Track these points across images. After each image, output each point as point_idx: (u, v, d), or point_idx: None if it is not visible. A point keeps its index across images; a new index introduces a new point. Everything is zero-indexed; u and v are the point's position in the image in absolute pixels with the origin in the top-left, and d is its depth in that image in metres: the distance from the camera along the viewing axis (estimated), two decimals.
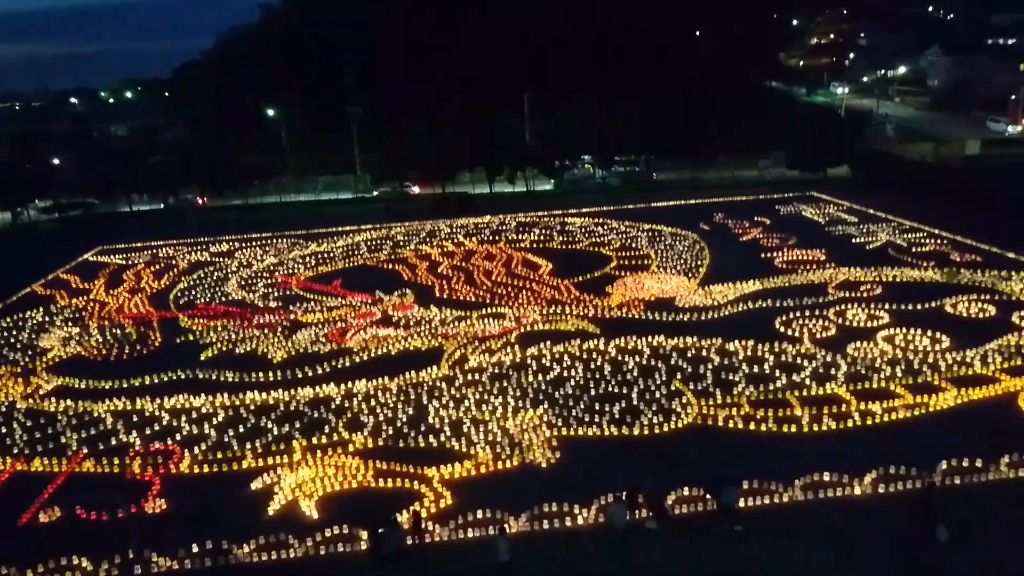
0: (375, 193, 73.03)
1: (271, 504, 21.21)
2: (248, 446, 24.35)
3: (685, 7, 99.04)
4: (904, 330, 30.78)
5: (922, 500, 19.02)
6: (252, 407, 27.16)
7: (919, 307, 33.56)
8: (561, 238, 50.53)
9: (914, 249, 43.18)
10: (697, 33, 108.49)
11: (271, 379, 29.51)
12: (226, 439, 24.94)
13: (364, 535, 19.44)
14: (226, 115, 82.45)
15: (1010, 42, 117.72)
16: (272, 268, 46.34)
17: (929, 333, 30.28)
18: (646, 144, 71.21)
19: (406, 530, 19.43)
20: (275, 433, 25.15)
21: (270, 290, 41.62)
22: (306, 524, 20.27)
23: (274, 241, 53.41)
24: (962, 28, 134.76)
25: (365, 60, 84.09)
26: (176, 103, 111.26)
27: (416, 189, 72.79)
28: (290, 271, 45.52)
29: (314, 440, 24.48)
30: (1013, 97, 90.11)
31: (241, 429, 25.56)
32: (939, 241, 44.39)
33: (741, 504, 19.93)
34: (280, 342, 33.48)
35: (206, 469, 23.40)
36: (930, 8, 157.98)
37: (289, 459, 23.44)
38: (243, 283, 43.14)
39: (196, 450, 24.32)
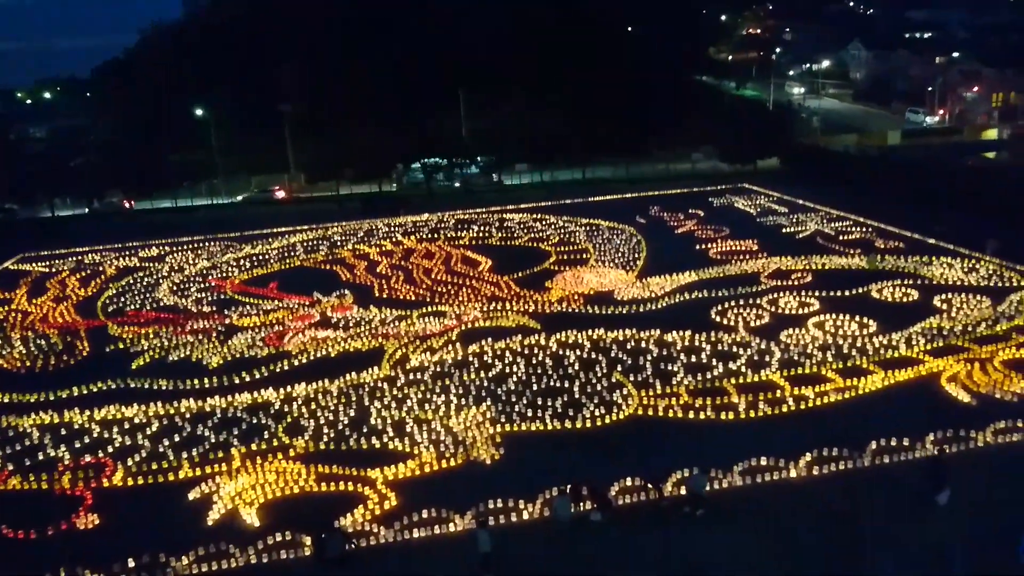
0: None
1: (210, 513, 20.69)
2: (184, 455, 23.68)
3: (617, 3, 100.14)
4: (833, 316, 31.81)
5: (931, 466, 19.97)
6: (187, 415, 26.44)
7: (847, 293, 34.71)
8: (500, 234, 50.60)
9: (841, 237, 44.63)
10: (629, 29, 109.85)
11: (207, 386, 28.78)
12: (161, 449, 24.22)
13: (307, 540, 19.16)
14: (152, 115, 79.94)
15: (926, 36, 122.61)
16: (205, 272, 45.20)
17: (857, 318, 31.36)
18: (579, 141, 71.60)
19: (349, 534, 19.24)
20: (212, 441, 24.54)
21: (204, 294, 40.59)
22: (247, 532, 19.84)
23: (206, 244, 52.09)
24: (881, 23, 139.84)
25: (297, 56, 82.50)
26: (98, 103, 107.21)
27: (281, 194, 71.32)
28: (224, 274, 44.47)
29: (253, 446, 23.98)
30: (930, 89, 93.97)
31: (176, 438, 24.86)
32: (865, 229, 45.97)
33: (683, 491, 20.35)
34: (215, 347, 32.69)
35: (140, 481, 22.68)
36: (851, 3, 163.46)
37: (228, 467, 22.90)
38: (175, 288, 41.96)
39: (129, 462, 23.56)
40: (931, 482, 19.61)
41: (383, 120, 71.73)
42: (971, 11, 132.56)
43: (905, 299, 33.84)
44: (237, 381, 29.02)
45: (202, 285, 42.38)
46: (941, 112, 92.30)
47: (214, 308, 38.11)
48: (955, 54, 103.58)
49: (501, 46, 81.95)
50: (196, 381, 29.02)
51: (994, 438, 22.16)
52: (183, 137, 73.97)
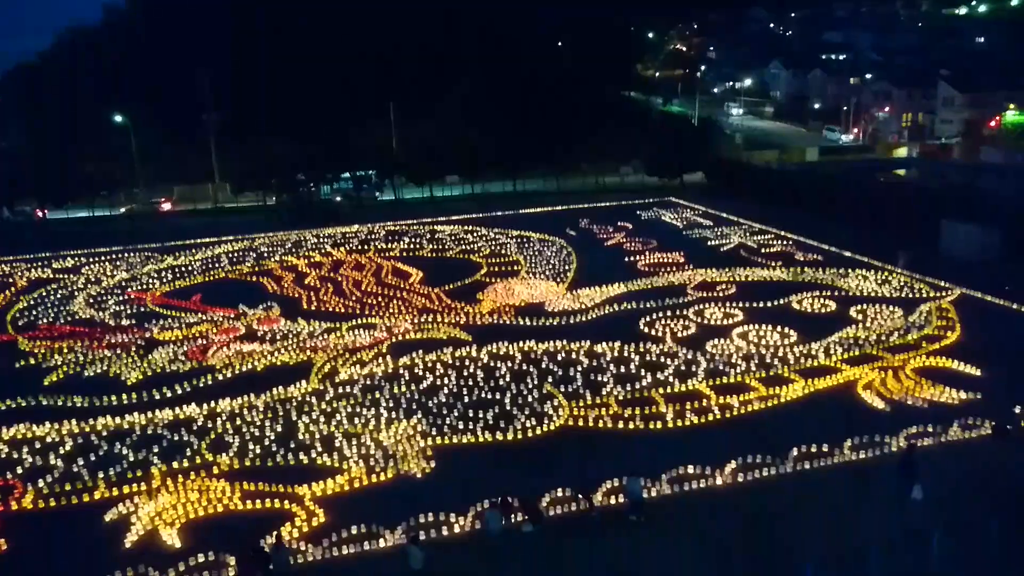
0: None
1: (128, 536, 19.89)
2: (100, 475, 22.72)
3: (547, 21, 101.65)
4: (756, 326, 32.75)
5: (903, 461, 20.65)
6: (104, 433, 25.38)
7: (769, 304, 35.80)
8: (431, 246, 50.41)
9: (763, 250, 46.04)
10: (559, 44, 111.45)
11: (125, 402, 27.72)
12: (75, 469, 23.18)
13: (232, 560, 18.60)
14: (68, 121, 76.86)
15: (841, 57, 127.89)
16: (124, 284, 43.60)
17: (778, 328, 32.37)
18: (510, 154, 71.94)
19: (290, 550, 18.82)
20: (131, 459, 23.61)
21: (122, 307, 39.14)
22: (168, 554, 19.15)
23: (126, 255, 50.27)
24: (798, 44, 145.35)
25: (221, 64, 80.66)
26: (9, 108, 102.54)
27: (168, 206, 69.40)
28: (144, 286, 42.99)
29: (175, 464, 23.18)
30: (844, 109, 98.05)
31: (92, 457, 23.84)
32: (785, 242, 47.55)
33: (613, 500, 20.59)
34: (135, 362, 31.52)
35: (52, 503, 21.65)
36: (771, 25, 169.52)
37: (147, 486, 22.08)
38: (91, 301, 40.34)
39: (40, 483, 22.44)
40: (904, 479, 20.30)
41: (311, 131, 70.70)
42: (881, 34, 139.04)
43: (823, 310, 35.10)
44: (158, 397, 28.04)
45: (121, 297, 40.87)
46: (855, 130, 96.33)
47: (133, 321, 36.78)
48: (868, 75, 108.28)
49: (431, 60, 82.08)
50: (114, 397, 27.92)
51: (907, 443, 23.11)
52: (101, 145, 71.21)
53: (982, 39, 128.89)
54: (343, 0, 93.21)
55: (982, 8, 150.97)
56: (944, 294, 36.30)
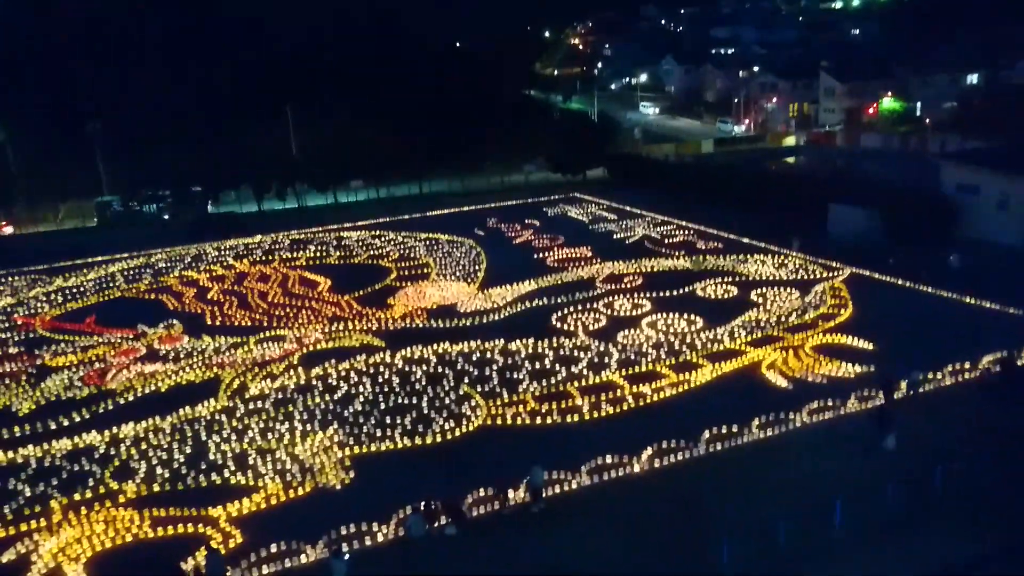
0: None
1: (29, 575, 18.78)
2: None
3: (445, 22, 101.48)
4: (664, 315, 33.66)
5: (877, 414, 22.63)
6: None
7: (675, 293, 36.84)
8: (338, 253, 49.53)
9: (666, 240, 47.33)
10: (457, 44, 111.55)
11: (18, 434, 26.12)
12: None
13: None
14: None
15: (729, 52, 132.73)
16: (9, 309, 41.04)
17: (685, 316, 33.36)
18: (413, 156, 71.48)
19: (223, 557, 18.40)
20: (27, 495, 22.30)
21: (8, 334, 36.84)
22: None
23: (9, 279, 47.31)
24: (689, 40, 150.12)
25: (104, 71, 76.78)
26: None
27: (9, 229, 66.04)
28: (33, 311, 40.58)
29: (76, 496, 22.03)
30: (736, 101, 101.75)
31: None
32: (687, 232, 49.01)
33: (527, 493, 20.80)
34: (26, 392, 29.75)
35: None
36: (663, 22, 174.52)
37: (47, 521, 20.90)
38: None
39: None
40: (879, 430, 22.03)
41: (204, 138, 68.28)
42: (765, 29, 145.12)
43: (726, 295, 36.39)
44: (53, 427, 26.55)
45: (6, 324, 38.47)
46: (747, 121, 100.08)
47: (22, 349, 34.70)
48: (755, 68, 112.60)
49: (328, 61, 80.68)
50: (4, 430, 26.27)
51: (809, 417, 24.27)
52: None
53: (856, 31, 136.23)
54: (236, 4, 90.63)
55: (856, 2, 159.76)
56: (836, 274, 38.23)
